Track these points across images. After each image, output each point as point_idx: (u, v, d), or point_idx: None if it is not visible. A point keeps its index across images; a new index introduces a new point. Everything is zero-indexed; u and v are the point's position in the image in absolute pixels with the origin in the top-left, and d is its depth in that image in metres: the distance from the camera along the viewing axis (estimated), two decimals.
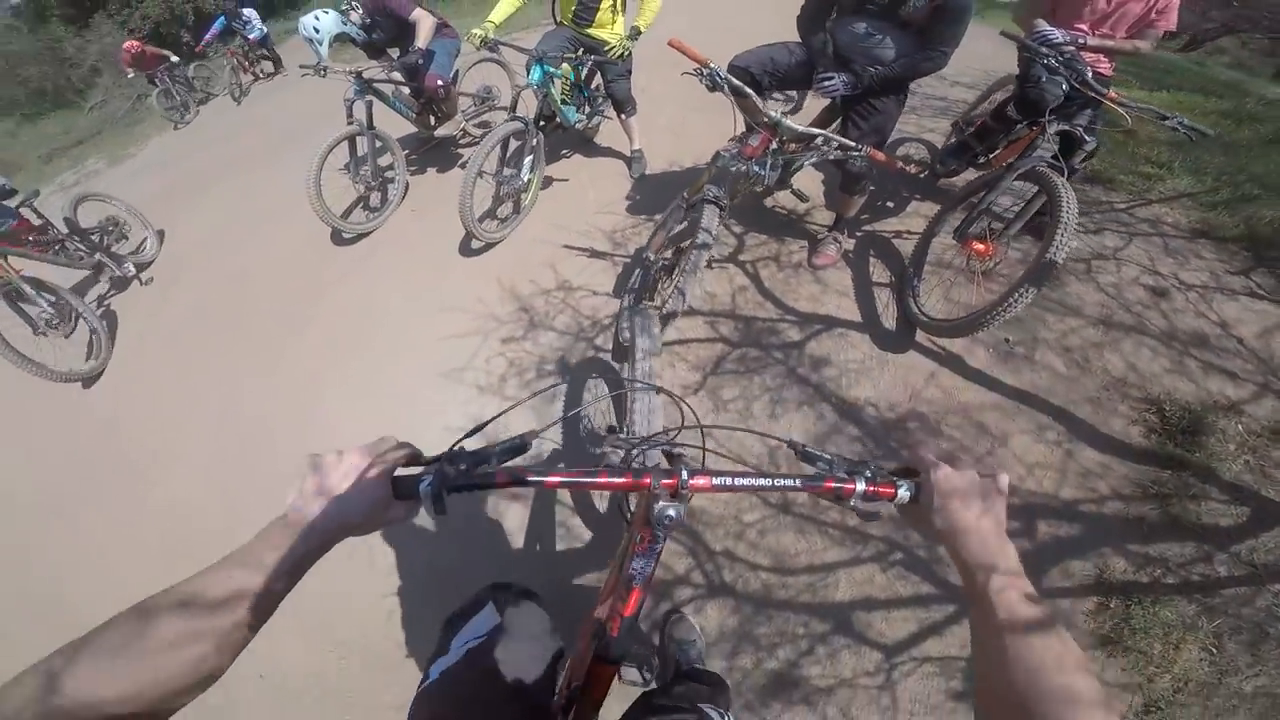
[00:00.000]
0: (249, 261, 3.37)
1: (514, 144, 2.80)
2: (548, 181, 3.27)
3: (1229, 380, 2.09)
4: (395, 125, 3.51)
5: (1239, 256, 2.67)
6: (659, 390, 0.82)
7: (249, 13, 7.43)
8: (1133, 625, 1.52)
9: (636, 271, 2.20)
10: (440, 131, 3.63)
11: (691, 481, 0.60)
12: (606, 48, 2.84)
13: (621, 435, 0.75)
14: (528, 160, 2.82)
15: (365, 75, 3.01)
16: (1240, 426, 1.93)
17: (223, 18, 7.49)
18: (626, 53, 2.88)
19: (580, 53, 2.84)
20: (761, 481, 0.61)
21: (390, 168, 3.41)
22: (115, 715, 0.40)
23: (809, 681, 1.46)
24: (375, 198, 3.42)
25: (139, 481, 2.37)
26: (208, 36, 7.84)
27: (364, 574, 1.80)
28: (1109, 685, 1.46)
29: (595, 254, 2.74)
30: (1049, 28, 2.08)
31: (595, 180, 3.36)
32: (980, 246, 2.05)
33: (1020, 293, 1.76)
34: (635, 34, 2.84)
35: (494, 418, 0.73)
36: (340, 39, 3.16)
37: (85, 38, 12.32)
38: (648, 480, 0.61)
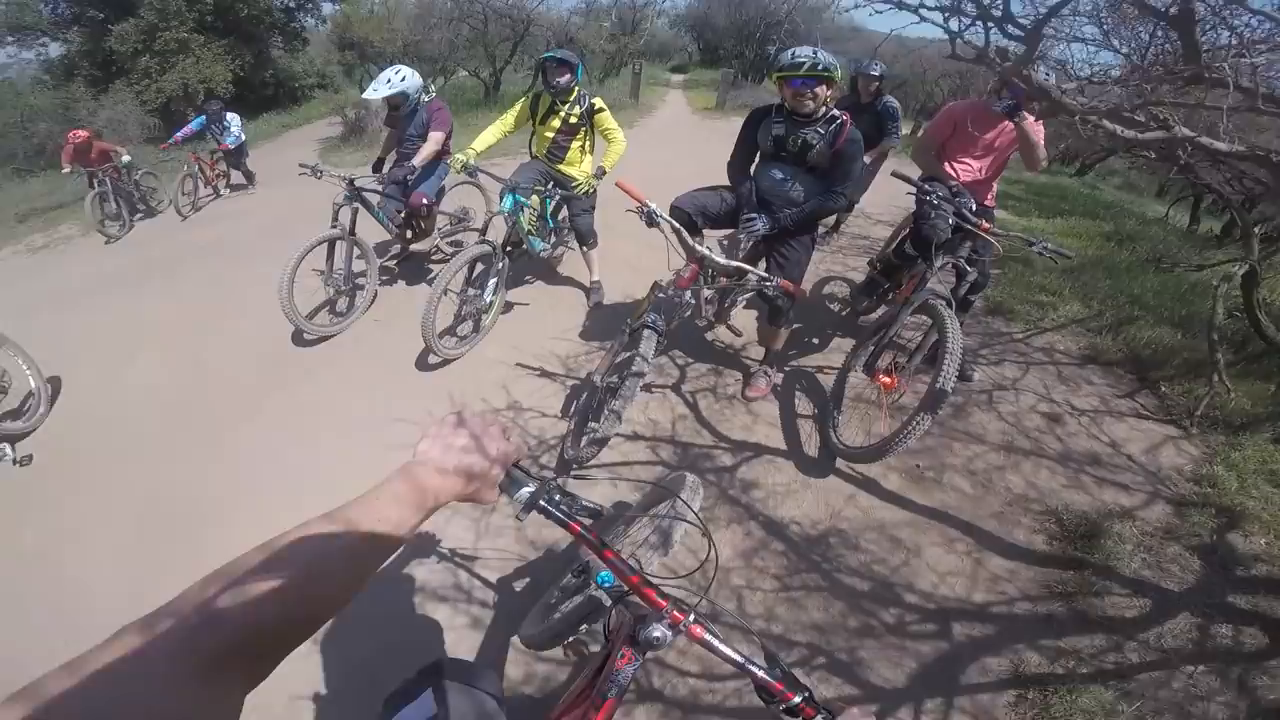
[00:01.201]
0: (206, 351, 3.38)
1: (480, 266, 3.03)
2: (509, 306, 3.45)
3: (1121, 491, 2.29)
4: (370, 235, 3.69)
5: (1124, 380, 2.98)
6: (705, 534, 0.91)
7: (232, 117, 6.95)
8: (1053, 714, 1.55)
9: (584, 394, 2.36)
10: (415, 246, 3.85)
11: (692, 625, 0.71)
12: (574, 184, 3.15)
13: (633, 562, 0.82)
14: (492, 282, 3.03)
15: (357, 183, 3.21)
16: (1135, 529, 2.09)
17: (203, 118, 6.87)
18: (591, 189, 3.20)
19: (550, 186, 3.12)
20: (735, 656, 0.71)
21: (363, 274, 3.53)
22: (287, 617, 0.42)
23: None
24: (343, 303, 3.53)
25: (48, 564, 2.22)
26: (179, 135, 6.76)
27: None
28: None
29: (547, 375, 2.88)
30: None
31: (554, 306, 3.57)
32: (886, 380, 2.27)
33: (918, 420, 1.93)
34: (600, 173, 3.18)
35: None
36: (393, 103, 3.41)
37: (100, 102, 12.43)
38: (665, 603, 0.72)
